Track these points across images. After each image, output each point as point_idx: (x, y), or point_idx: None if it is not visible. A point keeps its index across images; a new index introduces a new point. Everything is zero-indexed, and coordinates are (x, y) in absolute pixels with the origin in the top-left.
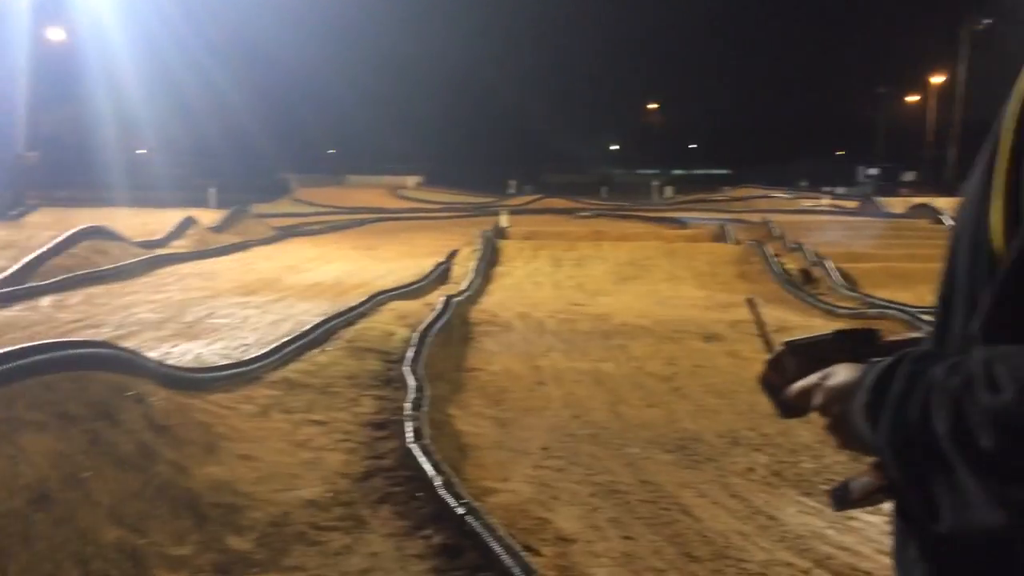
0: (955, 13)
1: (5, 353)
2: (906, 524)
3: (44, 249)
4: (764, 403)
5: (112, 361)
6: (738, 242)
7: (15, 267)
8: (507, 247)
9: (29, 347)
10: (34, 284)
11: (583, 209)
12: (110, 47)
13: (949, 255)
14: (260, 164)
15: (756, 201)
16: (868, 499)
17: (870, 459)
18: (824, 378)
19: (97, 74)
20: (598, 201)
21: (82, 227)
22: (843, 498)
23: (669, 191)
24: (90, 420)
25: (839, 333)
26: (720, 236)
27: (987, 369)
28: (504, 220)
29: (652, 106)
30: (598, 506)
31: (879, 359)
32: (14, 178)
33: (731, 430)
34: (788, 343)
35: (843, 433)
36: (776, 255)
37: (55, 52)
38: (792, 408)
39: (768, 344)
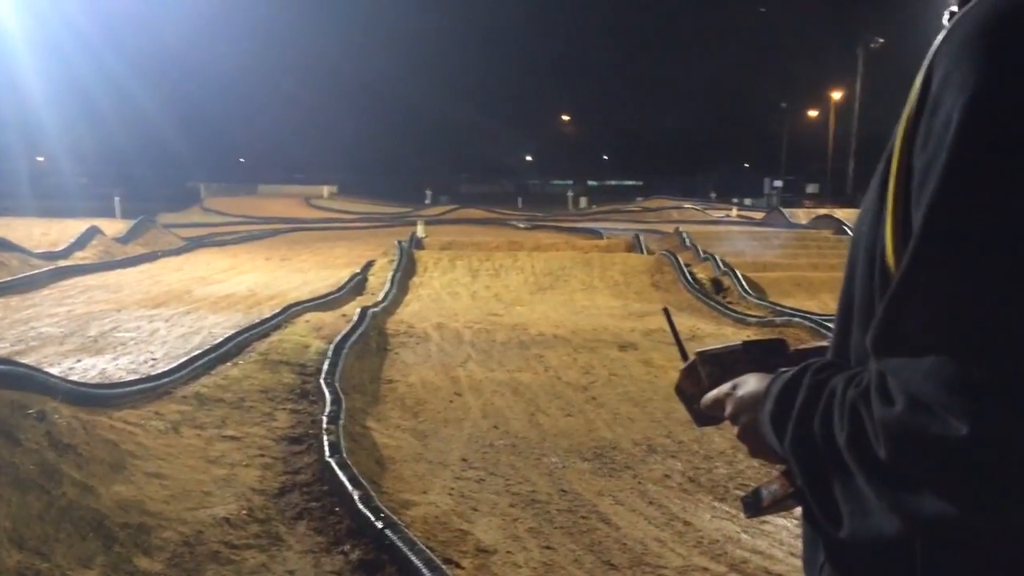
0: (853, 32)
1: None
2: (814, 529)
3: None
4: (679, 410)
5: (11, 377)
6: (651, 252)
7: None
8: (424, 257)
9: None
10: None
11: (508, 219)
12: (8, 47)
13: (848, 268)
14: (168, 172)
15: (668, 212)
16: (778, 505)
17: (779, 466)
18: (735, 388)
19: None
20: (514, 211)
21: None
22: (754, 505)
23: (584, 201)
24: None
25: (748, 343)
26: (634, 246)
27: (880, 381)
28: (421, 230)
29: (565, 117)
30: (518, 516)
31: (786, 369)
32: None
33: (647, 438)
34: (700, 353)
35: (753, 441)
36: (688, 265)
37: None
38: (706, 417)
39: (683, 353)
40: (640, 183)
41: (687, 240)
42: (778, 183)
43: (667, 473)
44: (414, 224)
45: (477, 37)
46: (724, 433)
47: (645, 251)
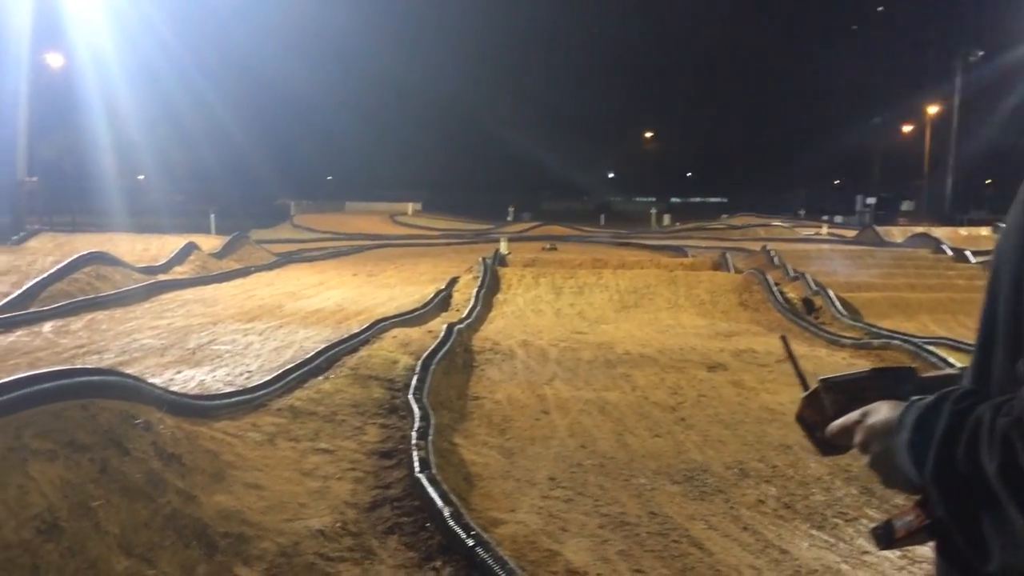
0: (951, 45)
1: (13, 381)
2: (949, 565)
3: (46, 275)
4: (772, 434)
5: (120, 388)
6: (738, 271)
7: (17, 293)
8: (507, 274)
9: (37, 375)
10: (36, 310)
11: (591, 237)
12: (108, 73)
13: (989, 293)
14: (257, 190)
15: (755, 230)
16: (912, 538)
17: (914, 497)
18: (865, 416)
19: (95, 100)
20: (597, 228)
21: (84, 253)
22: (887, 536)
23: (667, 219)
24: (99, 449)
25: (877, 371)
26: (720, 265)
27: None
28: (504, 247)
29: (648, 134)
30: (607, 538)
31: (919, 397)
32: (15, 203)
33: (739, 461)
34: (824, 380)
35: (886, 470)
36: (777, 284)
37: (54, 78)
38: (831, 445)
39: (803, 381)
40: (724, 200)
41: (776, 258)
42: (871, 200)
43: (761, 498)
44: (496, 241)
45: (559, 54)
46: (820, 459)
47: (732, 269)
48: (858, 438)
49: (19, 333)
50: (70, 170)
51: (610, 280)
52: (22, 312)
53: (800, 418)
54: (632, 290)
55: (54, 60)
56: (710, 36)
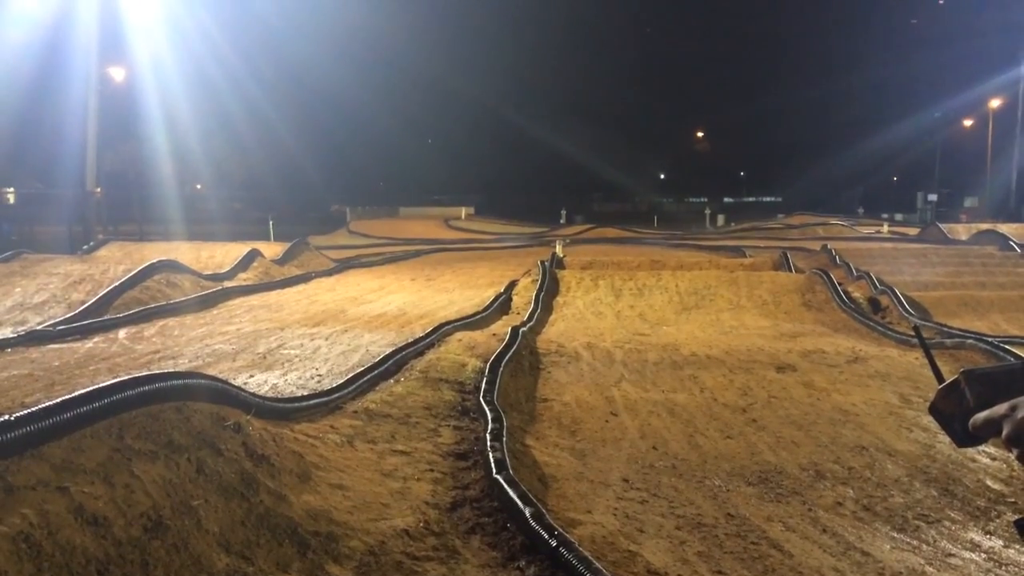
0: (1014, 36)
1: (113, 385)
2: None
3: (119, 283)
4: (846, 435)
5: (211, 391)
6: (800, 271)
7: (92, 300)
8: (566, 277)
9: (135, 378)
10: (111, 317)
11: (645, 238)
12: (166, 85)
13: None
14: (311, 197)
15: (813, 229)
16: None
17: None
18: (1014, 409)
19: (155, 111)
20: (651, 230)
21: (154, 261)
22: None
23: (721, 219)
24: (195, 449)
25: None
26: (781, 265)
27: None
28: (560, 250)
29: (699, 134)
30: (685, 539)
31: None
32: (84, 214)
33: (814, 463)
34: (967, 372)
35: None
36: (840, 283)
37: (116, 91)
38: (970, 437)
39: (938, 373)
40: (778, 199)
41: (837, 258)
42: (932, 197)
43: (839, 500)
44: (551, 244)
45: (609, 57)
46: (896, 459)
47: (793, 270)
48: (1007, 431)
49: (96, 339)
50: (132, 180)
51: (669, 282)
52: (98, 319)
53: (934, 409)
54: (692, 291)
55: (116, 73)
56: (761, 31)
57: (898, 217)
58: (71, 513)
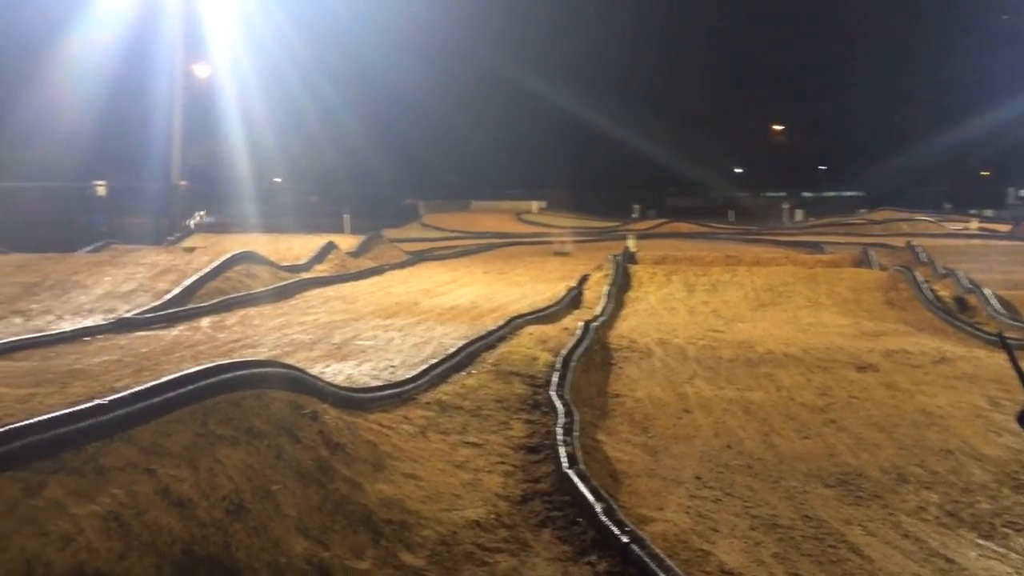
0: None
1: (197, 372)
2: None
3: (202, 273)
4: (931, 438)
5: (290, 380)
6: (883, 268)
7: (177, 290)
8: (638, 272)
9: (218, 366)
10: (195, 306)
11: (719, 233)
12: (245, 83)
13: None
14: (384, 192)
15: (897, 224)
16: None
17: None
18: None
19: (233, 107)
20: (725, 225)
21: (235, 252)
22: None
23: (799, 214)
24: (274, 436)
25: None
26: (862, 261)
27: None
28: (632, 244)
29: (777, 127)
30: (760, 540)
31: None
32: (170, 206)
33: (896, 466)
34: None
35: None
36: (926, 281)
37: (200, 88)
38: None
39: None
40: (861, 194)
41: (923, 255)
42: None
43: (922, 505)
44: (622, 238)
45: (683, 48)
46: (984, 465)
47: (876, 266)
48: None
49: (181, 328)
50: (213, 174)
51: (745, 277)
52: (183, 308)
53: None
54: (768, 288)
55: (201, 71)
56: (842, 21)
57: (988, 213)
58: (158, 494)
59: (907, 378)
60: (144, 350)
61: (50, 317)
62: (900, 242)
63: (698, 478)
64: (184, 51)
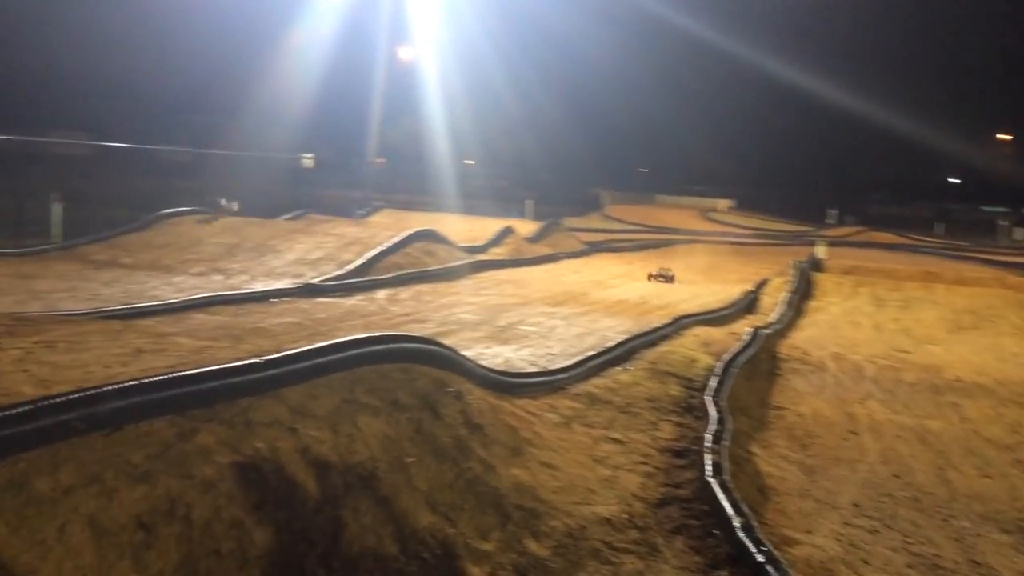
0: None
1: (350, 341)
2: None
3: (383, 247)
4: None
5: (437, 357)
6: None
7: (359, 261)
8: (823, 280)
9: (369, 337)
10: (373, 278)
11: (922, 247)
12: (445, 66)
13: None
14: (574, 179)
15: None
16: None
17: None
18: None
19: (434, 90)
20: (932, 238)
21: (416, 230)
22: None
23: (1020, 233)
24: (416, 410)
25: None
26: None
27: None
28: (821, 251)
29: (1004, 137)
30: None
31: None
32: (364, 182)
33: None
34: None
35: None
36: None
37: (402, 70)
38: None
39: None
40: None
41: None
42: None
43: None
44: (812, 244)
45: (897, 46)
46: None
47: None
48: None
49: (358, 298)
50: (409, 153)
51: (943, 296)
52: (362, 279)
53: None
54: (970, 310)
55: (405, 53)
56: None
57: None
58: (298, 453)
59: None
60: (322, 315)
61: (245, 277)
62: None
63: (856, 505)
64: (389, 35)
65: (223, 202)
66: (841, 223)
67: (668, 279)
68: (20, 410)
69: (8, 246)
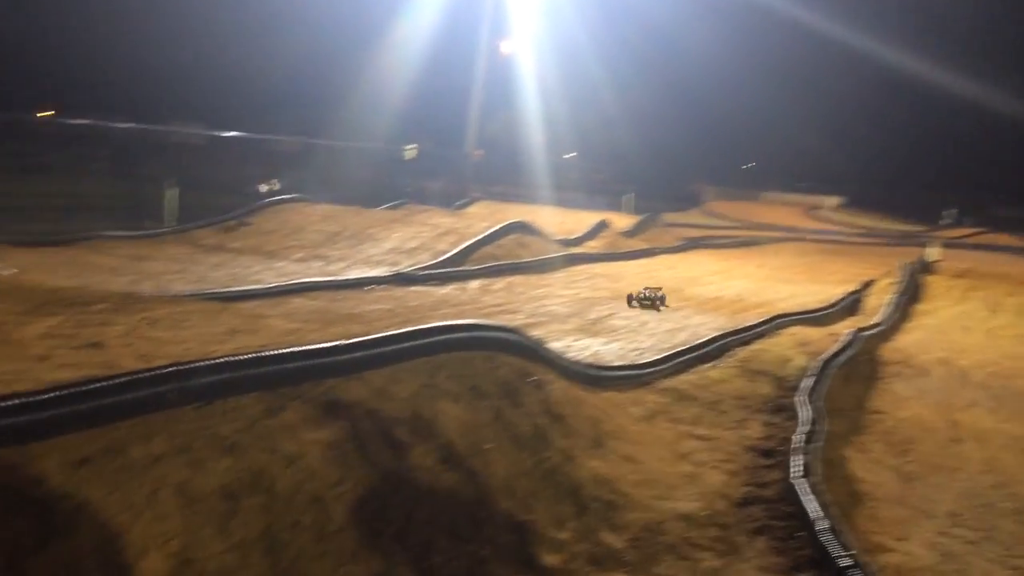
0: None
1: (434, 327)
2: None
3: (478, 238)
4: None
5: (520, 347)
6: None
7: (453, 251)
8: (933, 283)
9: (453, 324)
10: (467, 268)
11: None
12: (543, 59)
13: None
14: (674, 174)
15: None
16: None
17: None
18: None
19: (531, 84)
20: None
21: (510, 222)
22: None
23: None
24: (496, 398)
25: None
26: None
27: None
28: (934, 253)
29: None
30: None
31: None
32: (462, 173)
33: None
34: None
35: None
36: None
37: (502, 63)
38: None
39: None
40: None
41: None
42: None
43: None
44: (924, 245)
45: None
46: None
47: None
48: None
49: (451, 287)
50: (506, 146)
51: None
52: (456, 269)
53: None
54: None
55: (506, 47)
56: None
57: None
58: (378, 434)
59: None
60: (414, 303)
61: (343, 264)
62: None
63: (953, 514)
64: (491, 28)
65: (262, 187)
66: (959, 224)
67: (653, 303)
68: (119, 381)
69: (126, 229)
